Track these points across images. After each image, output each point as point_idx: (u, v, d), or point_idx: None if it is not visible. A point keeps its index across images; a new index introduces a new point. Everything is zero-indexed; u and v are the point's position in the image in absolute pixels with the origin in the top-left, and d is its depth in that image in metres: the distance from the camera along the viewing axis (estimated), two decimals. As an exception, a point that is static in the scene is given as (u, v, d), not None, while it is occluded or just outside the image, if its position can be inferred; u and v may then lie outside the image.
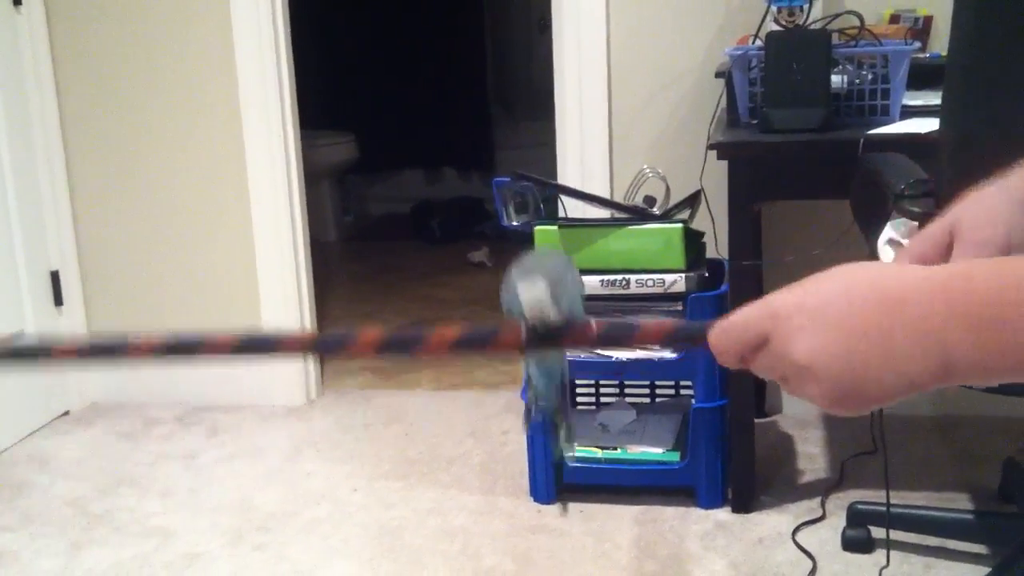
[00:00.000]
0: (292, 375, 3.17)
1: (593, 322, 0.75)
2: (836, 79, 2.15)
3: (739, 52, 2.23)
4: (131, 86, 3.08)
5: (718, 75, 2.57)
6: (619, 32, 2.81)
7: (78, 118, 3.12)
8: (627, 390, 2.71)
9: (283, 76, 3.01)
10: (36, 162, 3.06)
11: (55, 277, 3.14)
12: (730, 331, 0.68)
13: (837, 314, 0.61)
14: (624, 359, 2.33)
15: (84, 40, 3.07)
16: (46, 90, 3.07)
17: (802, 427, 2.80)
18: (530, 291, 0.74)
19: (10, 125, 2.96)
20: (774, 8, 2.44)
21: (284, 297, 3.12)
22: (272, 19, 2.96)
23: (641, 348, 2.28)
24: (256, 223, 3.08)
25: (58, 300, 3.16)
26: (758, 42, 2.34)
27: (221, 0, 2.96)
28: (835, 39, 2.18)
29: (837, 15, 2.31)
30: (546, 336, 0.73)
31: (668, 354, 2.30)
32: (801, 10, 2.41)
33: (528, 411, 0.88)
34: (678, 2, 2.78)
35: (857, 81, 2.15)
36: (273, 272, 3.11)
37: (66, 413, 3.19)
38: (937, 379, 0.60)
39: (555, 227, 2.34)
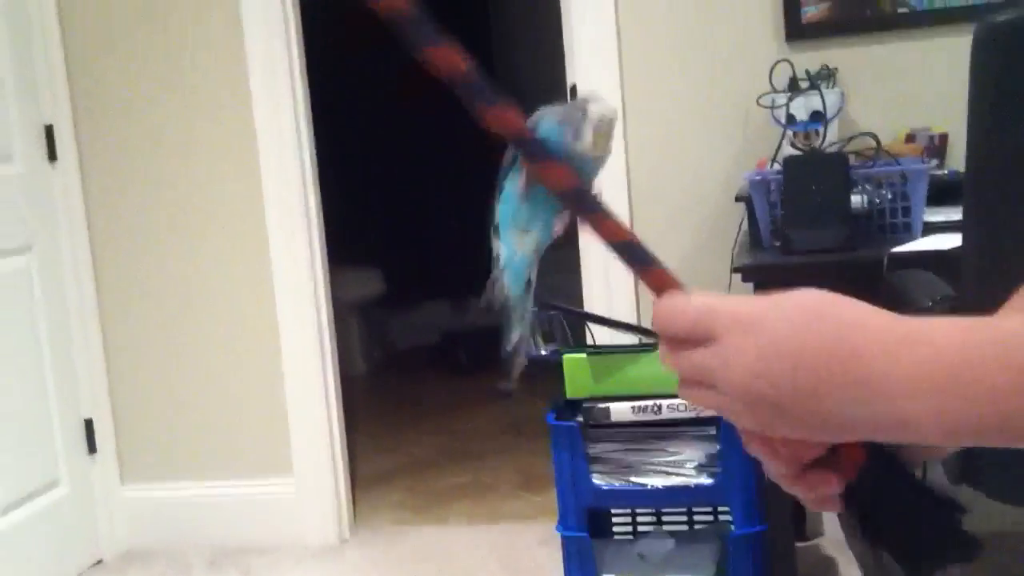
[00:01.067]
0: (325, 513, 3.15)
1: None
2: (856, 199, 2.17)
3: (758, 177, 2.27)
4: (163, 234, 3.14)
5: (738, 199, 2.60)
6: (639, 158, 2.87)
7: (111, 266, 3.17)
8: (664, 518, 2.67)
9: (311, 214, 3.07)
10: (69, 313, 3.11)
11: (88, 425, 3.16)
12: (683, 314, 0.65)
13: (792, 346, 0.61)
14: (660, 486, 2.30)
15: (117, 194, 3.15)
16: (79, 244, 3.14)
17: (845, 550, 2.74)
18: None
19: (44, 279, 3.02)
20: (790, 132, 2.49)
21: (314, 431, 3.12)
22: (300, 160, 3.04)
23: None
24: (286, 359, 3.10)
25: (92, 448, 3.17)
26: (776, 166, 2.37)
27: (249, 141, 3.04)
28: (852, 160, 2.21)
29: (853, 137, 2.34)
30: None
31: (704, 480, 2.27)
32: (817, 133, 2.46)
33: (492, 284, 0.81)
34: (697, 128, 2.84)
35: (877, 200, 2.17)
36: (303, 408, 3.12)
37: (99, 562, 3.17)
38: (885, 433, 0.60)
39: (583, 355, 2.34)
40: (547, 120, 0.72)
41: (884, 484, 0.67)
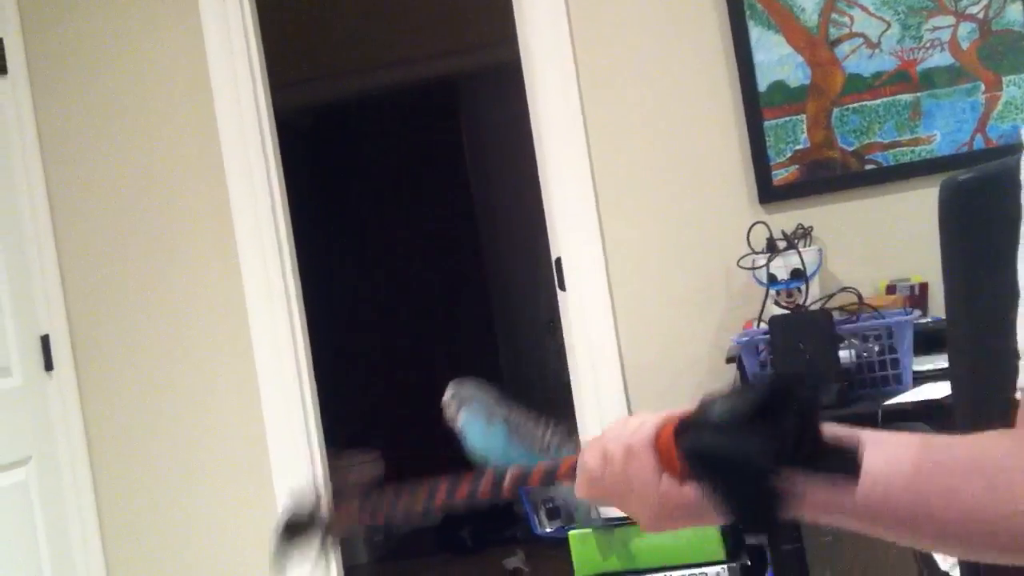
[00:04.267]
0: None
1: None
2: (844, 354, 2.20)
3: (745, 339, 2.30)
4: (160, 433, 3.14)
5: (729, 360, 2.63)
6: (627, 327, 2.90)
7: (110, 473, 3.16)
8: None
9: (306, 401, 3.08)
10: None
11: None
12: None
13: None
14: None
15: (113, 398, 3.16)
16: (77, 451, 3.14)
17: None
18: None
19: (43, 490, 3.01)
20: (773, 291, 2.54)
21: (322, 630, 3.05)
22: (293, 343, 3.06)
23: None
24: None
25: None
26: (763, 326, 2.41)
27: (244, 332, 3.08)
28: (836, 316, 2.25)
29: (834, 294, 2.39)
30: None
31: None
32: (799, 291, 2.51)
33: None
34: (681, 294, 2.89)
35: (865, 354, 2.20)
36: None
37: None
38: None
39: (589, 531, 2.33)
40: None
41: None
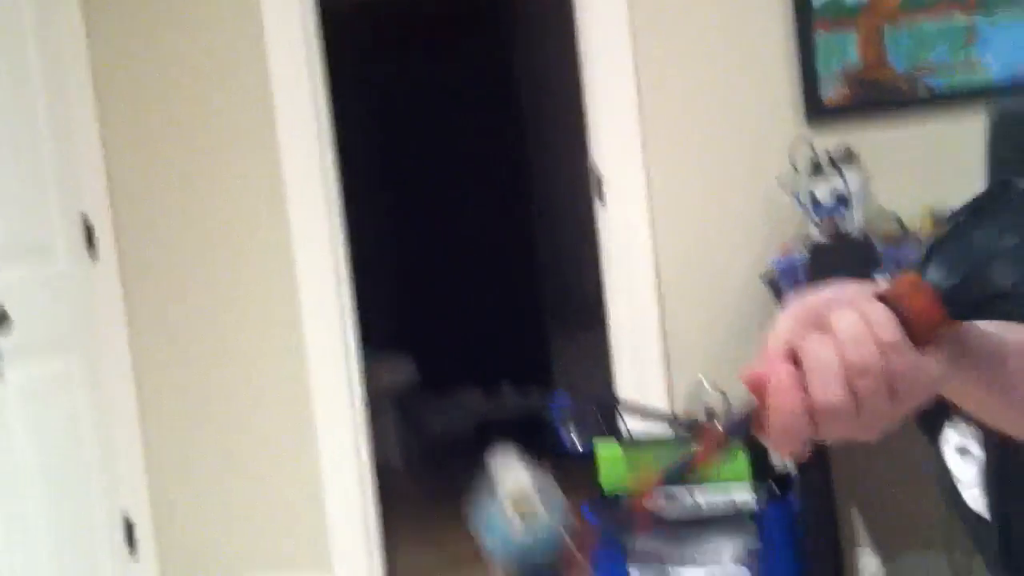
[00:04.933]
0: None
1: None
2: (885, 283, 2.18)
3: (784, 264, 2.28)
4: (199, 327, 3.19)
5: (764, 282, 2.61)
6: (665, 241, 2.88)
7: (151, 366, 3.22)
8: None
9: (344, 302, 3.11)
10: (111, 413, 3.15)
11: (128, 525, 3.18)
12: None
13: None
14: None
15: (157, 293, 3.20)
16: (119, 343, 3.19)
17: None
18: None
19: (84, 378, 3.07)
20: (814, 214, 2.51)
21: (352, 527, 3.12)
22: (333, 249, 3.08)
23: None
24: (322, 453, 3.12)
25: (131, 547, 3.19)
26: (802, 251, 2.39)
27: (283, 231, 3.09)
28: (878, 243, 2.23)
29: (876, 219, 2.36)
30: None
31: (743, 572, 2.25)
32: (841, 216, 2.48)
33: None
34: (722, 214, 2.86)
35: (904, 283, 2.18)
36: (341, 503, 3.12)
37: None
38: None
39: (616, 446, 2.34)
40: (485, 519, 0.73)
41: None
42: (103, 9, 3.16)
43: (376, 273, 5.65)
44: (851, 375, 0.59)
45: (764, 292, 2.63)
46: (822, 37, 2.77)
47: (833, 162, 2.60)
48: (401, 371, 5.50)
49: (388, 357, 5.38)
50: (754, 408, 0.61)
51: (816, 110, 2.79)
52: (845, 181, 2.49)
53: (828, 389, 0.59)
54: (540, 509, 0.69)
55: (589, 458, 2.35)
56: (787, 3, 2.79)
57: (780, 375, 0.60)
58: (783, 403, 0.60)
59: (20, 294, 2.83)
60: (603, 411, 2.45)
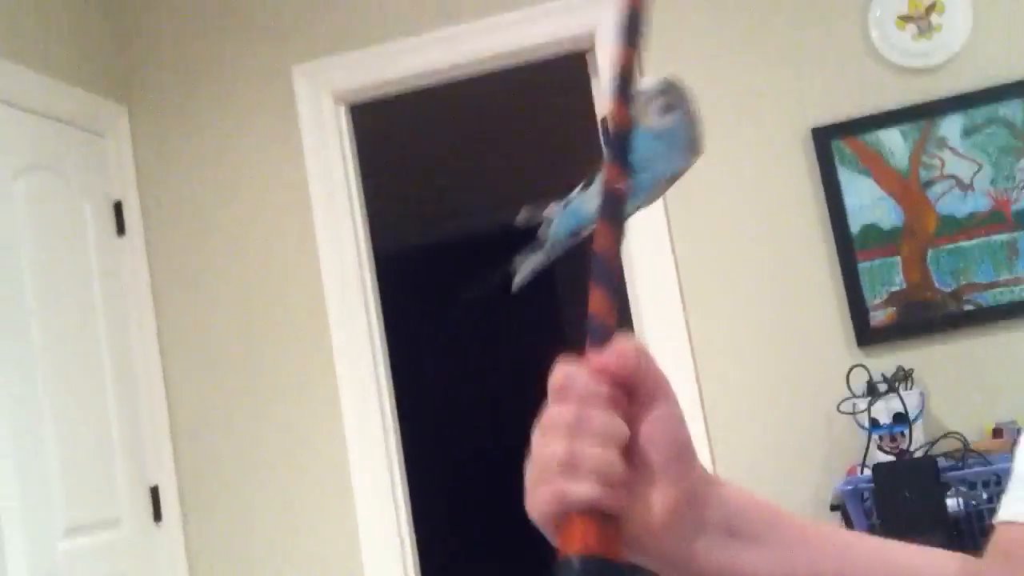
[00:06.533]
0: None
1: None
2: (951, 502, 2.16)
3: (849, 487, 2.27)
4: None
5: (833, 508, 2.58)
6: (724, 472, 2.87)
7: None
8: None
9: (405, 546, 3.09)
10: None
11: None
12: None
13: None
14: None
15: (221, 550, 3.21)
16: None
17: None
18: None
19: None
20: (875, 436, 2.50)
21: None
22: (393, 500, 3.09)
23: None
24: None
25: None
26: (867, 472, 2.37)
27: (346, 491, 3.12)
28: (942, 462, 2.21)
29: (938, 439, 2.35)
30: None
31: None
32: (903, 435, 2.47)
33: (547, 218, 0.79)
34: (780, 439, 2.86)
35: (973, 503, 2.15)
36: None
37: None
38: None
39: None
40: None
41: None
42: (165, 261, 3.32)
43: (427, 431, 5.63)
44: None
45: (832, 518, 2.59)
46: (865, 265, 2.84)
47: (888, 383, 2.61)
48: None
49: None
50: None
51: (866, 334, 2.83)
52: (903, 400, 2.50)
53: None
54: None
55: None
56: (828, 235, 2.87)
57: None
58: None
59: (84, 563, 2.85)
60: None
